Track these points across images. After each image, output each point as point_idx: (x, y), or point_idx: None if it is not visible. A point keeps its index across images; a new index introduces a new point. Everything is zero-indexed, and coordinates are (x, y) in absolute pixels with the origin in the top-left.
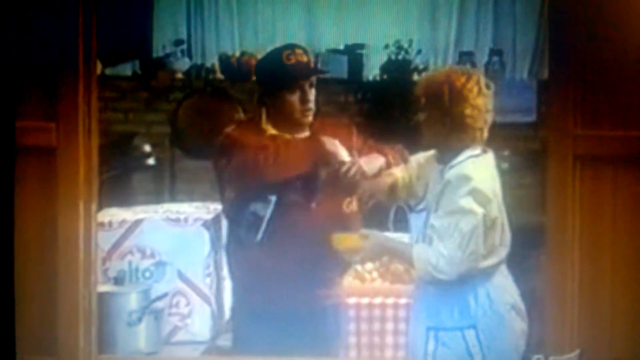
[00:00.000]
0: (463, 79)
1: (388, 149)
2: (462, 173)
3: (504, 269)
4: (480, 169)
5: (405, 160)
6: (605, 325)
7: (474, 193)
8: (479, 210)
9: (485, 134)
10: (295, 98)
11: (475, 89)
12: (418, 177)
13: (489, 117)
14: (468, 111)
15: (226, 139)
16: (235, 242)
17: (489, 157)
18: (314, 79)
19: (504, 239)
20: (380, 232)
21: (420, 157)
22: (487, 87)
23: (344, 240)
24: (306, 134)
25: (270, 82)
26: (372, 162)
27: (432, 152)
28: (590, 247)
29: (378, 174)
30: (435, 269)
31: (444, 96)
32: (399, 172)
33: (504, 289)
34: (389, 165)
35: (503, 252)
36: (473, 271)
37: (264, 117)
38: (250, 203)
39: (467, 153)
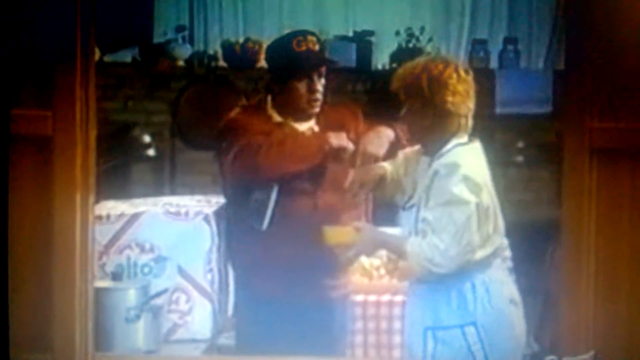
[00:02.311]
0: (441, 67)
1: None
2: (451, 161)
3: (499, 262)
4: (468, 157)
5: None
6: (621, 325)
7: (466, 181)
8: (472, 198)
9: (470, 121)
10: (302, 86)
11: (455, 76)
12: (405, 172)
13: (472, 104)
14: (450, 98)
15: (229, 122)
16: (239, 231)
17: (477, 146)
18: (324, 69)
19: (497, 227)
20: (373, 226)
21: (407, 152)
22: (467, 72)
23: (335, 234)
24: (311, 123)
25: (278, 68)
26: (379, 140)
27: (418, 146)
28: (607, 243)
29: (388, 150)
30: (430, 263)
31: (423, 87)
32: (387, 166)
33: (501, 282)
34: (399, 140)
35: (497, 240)
36: (470, 264)
37: (269, 103)
38: (253, 190)
39: (454, 142)
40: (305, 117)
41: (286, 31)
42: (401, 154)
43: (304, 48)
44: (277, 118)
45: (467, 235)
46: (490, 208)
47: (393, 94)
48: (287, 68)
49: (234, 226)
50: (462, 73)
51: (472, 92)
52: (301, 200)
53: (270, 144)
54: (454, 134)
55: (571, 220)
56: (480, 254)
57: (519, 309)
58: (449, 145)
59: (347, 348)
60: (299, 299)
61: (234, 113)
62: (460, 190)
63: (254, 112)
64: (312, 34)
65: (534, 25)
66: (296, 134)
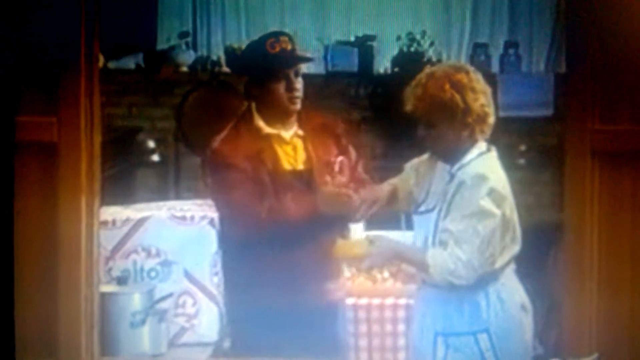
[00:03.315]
0: (464, 76)
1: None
2: (478, 172)
3: (511, 267)
4: (492, 167)
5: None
6: (624, 327)
7: (492, 193)
8: (497, 211)
9: (491, 125)
10: (280, 87)
11: (475, 77)
12: (416, 182)
13: (493, 108)
14: (484, 100)
15: (216, 155)
16: (236, 242)
17: (495, 155)
18: (300, 67)
19: (515, 236)
20: (389, 236)
21: (415, 163)
22: (475, 72)
23: (349, 248)
24: (294, 129)
25: (255, 72)
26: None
27: (426, 155)
28: (609, 245)
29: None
30: (452, 275)
31: (458, 103)
32: (397, 181)
33: (513, 288)
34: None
35: (515, 248)
36: (487, 273)
37: (254, 110)
38: (253, 244)
39: (476, 151)
40: (287, 120)
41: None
42: (408, 166)
43: (277, 49)
44: (265, 129)
45: (490, 247)
46: (511, 219)
47: (421, 118)
48: (264, 71)
49: (230, 238)
50: (474, 74)
51: (490, 97)
52: (300, 216)
53: (270, 206)
54: (476, 141)
55: (573, 223)
56: (498, 264)
57: (529, 314)
58: (471, 155)
59: (351, 351)
60: (296, 305)
61: (218, 140)
62: (486, 202)
63: (239, 133)
64: (285, 34)
65: (534, 28)
66: (294, 187)
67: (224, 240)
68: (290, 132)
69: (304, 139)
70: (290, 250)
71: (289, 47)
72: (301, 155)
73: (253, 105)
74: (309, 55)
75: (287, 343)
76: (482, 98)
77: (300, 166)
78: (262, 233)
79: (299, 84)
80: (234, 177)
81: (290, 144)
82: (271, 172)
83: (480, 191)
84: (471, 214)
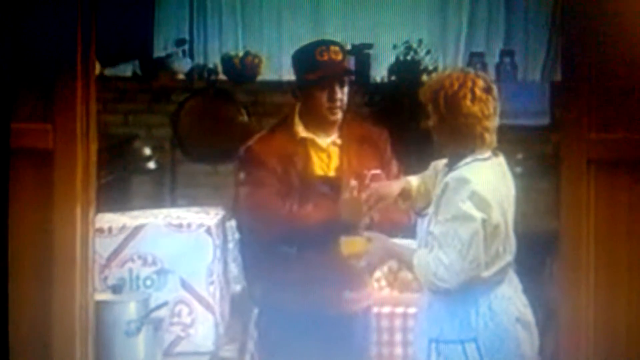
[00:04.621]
0: (456, 86)
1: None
2: (461, 176)
3: (513, 278)
4: (482, 172)
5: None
6: (621, 336)
7: (473, 197)
8: (478, 215)
9: (489, 138)
10: (323, 95)
11: (469, 96)
12: (434, 183)
13: (490, 123)
14: (462, 119)
15: (250, 153)
16: (257, 252)
17: (498, 161)
18: (345, 78)
19: (507, 245)
20: (385, 237)
21: (438, 163)
22: (487, 91)
23: (350, 244)
24: (333, 137)
25: (301, 76)
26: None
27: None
28: (605, 254)
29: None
30: (435, 277)
31: (440, 103)
32: (413, 179)
33: (508, 300)
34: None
35: (507, 258)
36: (476, 280)
37: (296, 113)
38: (274, 244)
39: (473, 156)
40: (327, 127)
41: (286, 45)
42: (432, 165)
43: (326, 58)
44: (301, 133)
45: (472, 252)
46: (501, 226)
47: (423, 104)
48: (309, 76)
49: (251, 246)
50: (478, 92)
51: (489, 111)
52: (322, 219)
53: (290, 208)
54: (472, 150)
55: (569, 231)
56: (488, 272)
57: (527, 328)
58: (466, 160)
59: None
60: (322, 315)
61: (255, 139)
62: (467, 206)
63: (275, 133)
64: (337, 44)
65: (530, 37)
66: (319, 190)
67: (246, 242)
68: (328, 140)
69: (341, 147)
70: (309, 255)
71: (338, 57)
72: (334, 163)
73: (297, 108)
74: (353, 69)
75: (306, 351)
76: (463, 118)
77: (332, 174)
78: (283, 234)
79: (341, 94)
80: (263, 175)
81: (325, 151)
82: (301, 175)
83: (461, 194)
84: (452, 217)
